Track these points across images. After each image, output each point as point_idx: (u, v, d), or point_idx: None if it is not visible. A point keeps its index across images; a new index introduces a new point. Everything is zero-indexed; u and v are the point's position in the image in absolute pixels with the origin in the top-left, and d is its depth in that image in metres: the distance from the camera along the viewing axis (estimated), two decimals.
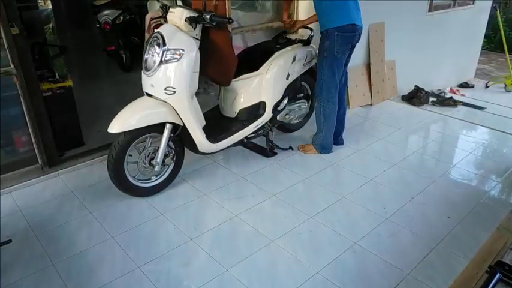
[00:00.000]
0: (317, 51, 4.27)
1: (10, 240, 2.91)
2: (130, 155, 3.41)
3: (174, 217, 3.38)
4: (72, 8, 8.68)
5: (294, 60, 4.08)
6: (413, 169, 4.17)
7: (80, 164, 4.07)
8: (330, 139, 4.37)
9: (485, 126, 5.39)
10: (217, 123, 3.91)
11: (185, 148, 3.70)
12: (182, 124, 3.44)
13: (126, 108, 3.32)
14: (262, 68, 3.92)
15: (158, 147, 3.46)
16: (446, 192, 3.81)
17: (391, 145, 4.69)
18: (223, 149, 3.84)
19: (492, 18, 8.51)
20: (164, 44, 3.20)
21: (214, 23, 3.25)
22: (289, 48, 4.12)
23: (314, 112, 4.36)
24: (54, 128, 3.96)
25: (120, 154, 3.31)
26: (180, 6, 3.37)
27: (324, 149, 4.39)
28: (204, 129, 3.59)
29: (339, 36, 3.91)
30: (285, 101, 4.14)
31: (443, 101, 6.15)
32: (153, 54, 3.27)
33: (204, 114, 3.68)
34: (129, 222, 3.32)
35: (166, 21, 3.43)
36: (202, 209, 3.51)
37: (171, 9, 3.36)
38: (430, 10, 6.30)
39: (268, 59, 3.95)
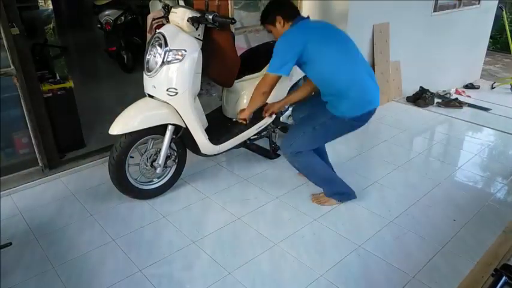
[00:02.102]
0: None
1: (10, 243, 2.88)
2: (131, 157, 3.39)
3: (176, 220, 3.36)
4: (73, 8, 8.69)
5: None
6: (418, 171, 4.14)
7: (81, 166, 4.06)
8: (338, 185, 3.61)
9: (491, 128, 5.35)
10: (220, 125, 3.88)
11: (187, 150, 3.68)
12: (184, 125, 3.41)
13: (128, 110, 3.30)
14: (265, 68, 3.87)
15: (160, 149, 3.44)
16: (451, 194, 3.77)
17: (395, 147, 4.65)
18: (225, 151, 3.81)
19: (498, 19, 8.45)
20: (166, 45, 3.17)
21: (216, 24, 3.22)
22: None
23: None
24: (55, 129, 3.96)
25: (121, 156, 3.28)
26: (182, 6, 3.34)
27: (343, 195, 3.63)
28: (207, 130, 3.56)
29: (350, 124, 3.33)
30: None
31: (449, 102, 6.11)
32: (154, 55, 3.24)
33: (206, 115, 3.67)
34: (131, 224, 3.30)
35: (168, 22, 3.41)
36: (205, 211, 3.48)
37: (173, 10, 3.33)
38: (435, 10, 6.26)
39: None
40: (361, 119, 3.28)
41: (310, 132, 3.33)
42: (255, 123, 3.90)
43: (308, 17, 3.29)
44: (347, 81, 3.14)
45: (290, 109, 4.15)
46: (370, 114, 3.28)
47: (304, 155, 3.39)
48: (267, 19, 3.31)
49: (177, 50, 3.18)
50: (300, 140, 3.34)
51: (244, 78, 3.83)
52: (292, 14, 3.26)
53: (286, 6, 3.29)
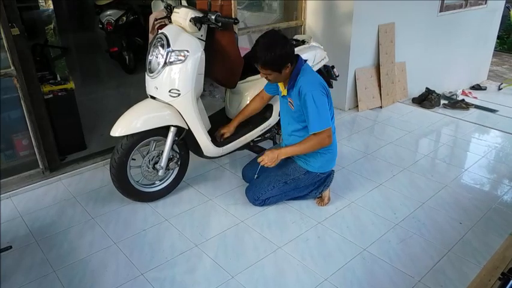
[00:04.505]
0: (321, 55, 4.14)
1: (10, 247, 2.88)
2: (133, 159, 3.35)
3: (179, 223, 3.33)
4: (74, 8, 8.67)
5: None
6: (424, 173, 4.09)
7: (82, 168, 4.03)
8: (312, 182, 3.57)
9: (497, 130, 5.30)
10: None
11: (190, 152, 3.65)
12: (187, 127, 3.38)
13: (129, 111, 3.27)
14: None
15: (162, 151, 3.41)
16: (458, 197, 3.73)
17: (401, 149, 4.61)
18: (229, 153, 3.77)
19: (505, 19, 8.38)
20: (168, 45, 3.14)
21: (219, 24, 3.19)
22: (295, 49, 4.04)
23: None
24: (56, 131, 3.94)
25: (123, 158, 3.25)
26: (184, 6, 3.31)
27: (323, 183, 3.58)
28: (210, 132, 3.53)
29: (320, 177, 3.50)
30: None
31: (455, 103, 6.07)
32: (157, 56, 3.21)
33: (209, 117, 3.63)
34: (133, 228, 3.27)
35: (170, 22, 3.38)
36: (208, 214, 3.45)
37: (175, 10, 3.30)
38: (441, 10, 6.21)
39: None
40: (329, 172, 3.53)
41: (281, 186, 3.47)
42: (259, 125, 3.86)
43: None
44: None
45: None
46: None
47: (272, 197, 3.52)
48: (272, 65, 3.08)
49: (179, 50, 3.15)
50: (268, 193, 3.48)
51: (247, 79, 3.80)
52: (294, 55, 3.23)
53: (292, 51, 3.16)
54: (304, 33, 5.55)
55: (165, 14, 3.55)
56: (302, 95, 3.12)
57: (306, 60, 3.30)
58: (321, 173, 3.45)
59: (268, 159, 3.28)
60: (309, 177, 3.45)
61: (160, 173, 3.44)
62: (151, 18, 3.91)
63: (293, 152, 3.30)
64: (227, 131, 3.68)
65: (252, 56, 3.97)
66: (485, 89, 7.45)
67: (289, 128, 3.44)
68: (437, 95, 6.09)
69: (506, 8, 7.78)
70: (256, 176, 3.57)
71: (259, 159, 3.34)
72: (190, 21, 3.16)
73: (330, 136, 3.19)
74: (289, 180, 3.45)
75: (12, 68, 3.42)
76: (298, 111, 3.24)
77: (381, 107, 5.84)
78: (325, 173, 3.49)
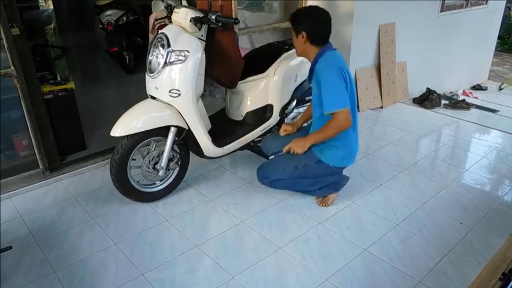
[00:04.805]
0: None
1: (10, 247, 2.87)
2: (133, 159, 3.35)
3: (179, 223, 3.32)
4: (74, 8, 8.66)
5: (302, 61, 3.99)
6: (424, 174, 4.08)
7: (82, 169, 4.03)
8: (323, 180, 3.54)
9: (498, 130, 5.29)
10: (223, 127, 3.84)
11: (190, 152, 3.64)
12: (187, 127, 3.37)
13: (130, 111, 3.27)
14: (269, 69, 3.83)
15: (162, 151, 3.40)
16: (458, 197, 3.72)
17: (401, 149, 4.60)
18: (229, 153, 3.77)
19: (506, 19, 8.37)
20: (168, 45, 3.14)
21: (220, 24, 3.19)
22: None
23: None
24: (56, 131, 3.94)
25: (123, 158, 3.25)
26: (184, 6, 3.31)
27: (336, 184, 3.60)
28: (210, 132, 3.52)
29: (332, 170, 3.45)
30: (293, 103, 4.06)
31: (456, 103, 6.06)
32: (157, 56, 3.21)
33: (209, 117, 3.63)
34: (133, 228, 3.27)
35: (170, 22, 3.38)
36: (208, 214, 3.45)
37: (175, 10, 3.30)
38: (442, 10, 6.20)
39: (275, 61, 3.86)
40: (342, 168, 3.53)
41: (291, 171, 3.42)
42: (260, 125, 3.86)
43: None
44: (350, 129, 3.25)
45: (295, 110, 4.11)
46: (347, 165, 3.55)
47: (281, 181, 3.48)
48: (294, 23, 3.25)
49: (179, 50, 3.14)
50: (278, 174, 3.44)
51: (248, 79, 3.79)
52: (321, 39, 3.23)
53: (318, 28, 3.20)
54: None
55: (165, 14, 3.54)
56: (318, 77, 3.15)
57: (335, 49, 3.28)
58: (332, 166, 3.40)
59: (296, 145, 3.30)
60: (320, 168, 3.39)
61: (161, 173, 3.44)
62: (152, 18, 3.90)
63: (316, 138, 3.29)
64: (291, 129, 3.69)
65: (252, 56, 4.00)
66: (486, 89, 7.44)
67: (316, 113, 3.39)
68: (438, 95, 6.08)
69: (507, 8, 7.79)
70: (271, 155, 3.60)
71: (285, 148, 3.37)
72: (190, 21, 3.16)
73: (347, 118, 3.10)
74: (300, 165, 3.39)
75: (12, 68, 3.41)
76: (318, 95, 3.22)
77: (381, 107, 5.83)
78: (337, 167, 3.45)
